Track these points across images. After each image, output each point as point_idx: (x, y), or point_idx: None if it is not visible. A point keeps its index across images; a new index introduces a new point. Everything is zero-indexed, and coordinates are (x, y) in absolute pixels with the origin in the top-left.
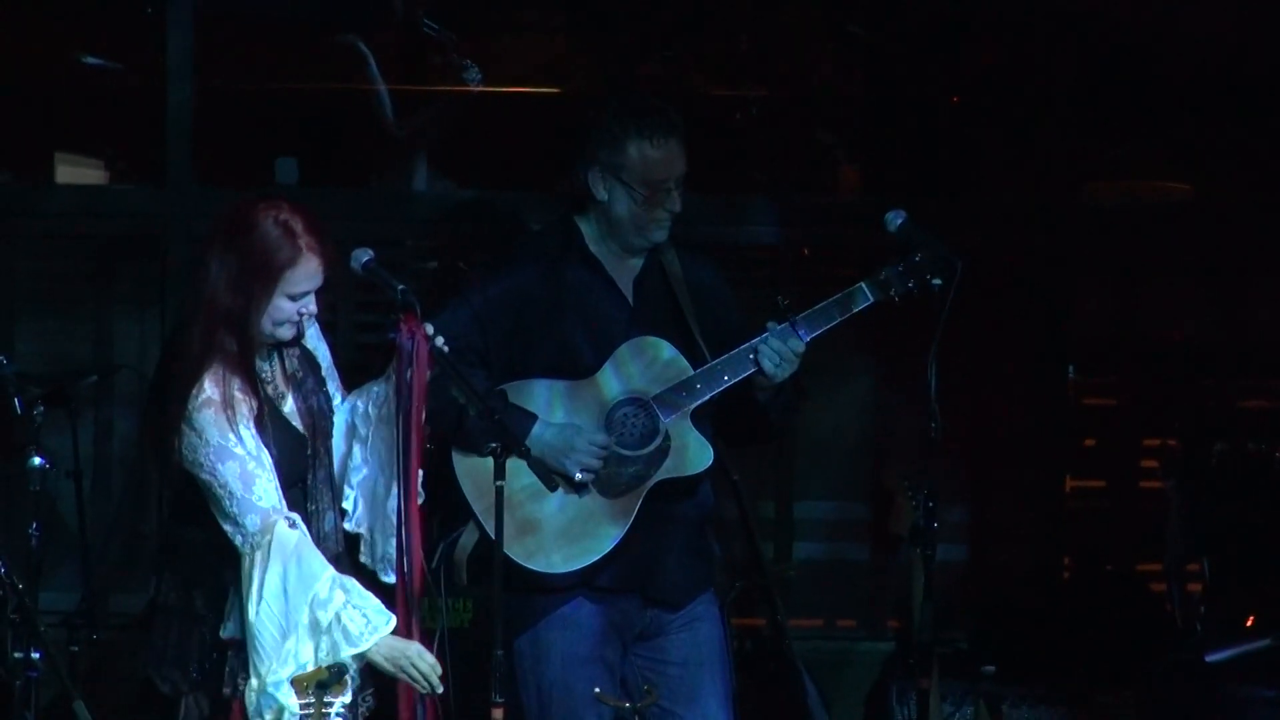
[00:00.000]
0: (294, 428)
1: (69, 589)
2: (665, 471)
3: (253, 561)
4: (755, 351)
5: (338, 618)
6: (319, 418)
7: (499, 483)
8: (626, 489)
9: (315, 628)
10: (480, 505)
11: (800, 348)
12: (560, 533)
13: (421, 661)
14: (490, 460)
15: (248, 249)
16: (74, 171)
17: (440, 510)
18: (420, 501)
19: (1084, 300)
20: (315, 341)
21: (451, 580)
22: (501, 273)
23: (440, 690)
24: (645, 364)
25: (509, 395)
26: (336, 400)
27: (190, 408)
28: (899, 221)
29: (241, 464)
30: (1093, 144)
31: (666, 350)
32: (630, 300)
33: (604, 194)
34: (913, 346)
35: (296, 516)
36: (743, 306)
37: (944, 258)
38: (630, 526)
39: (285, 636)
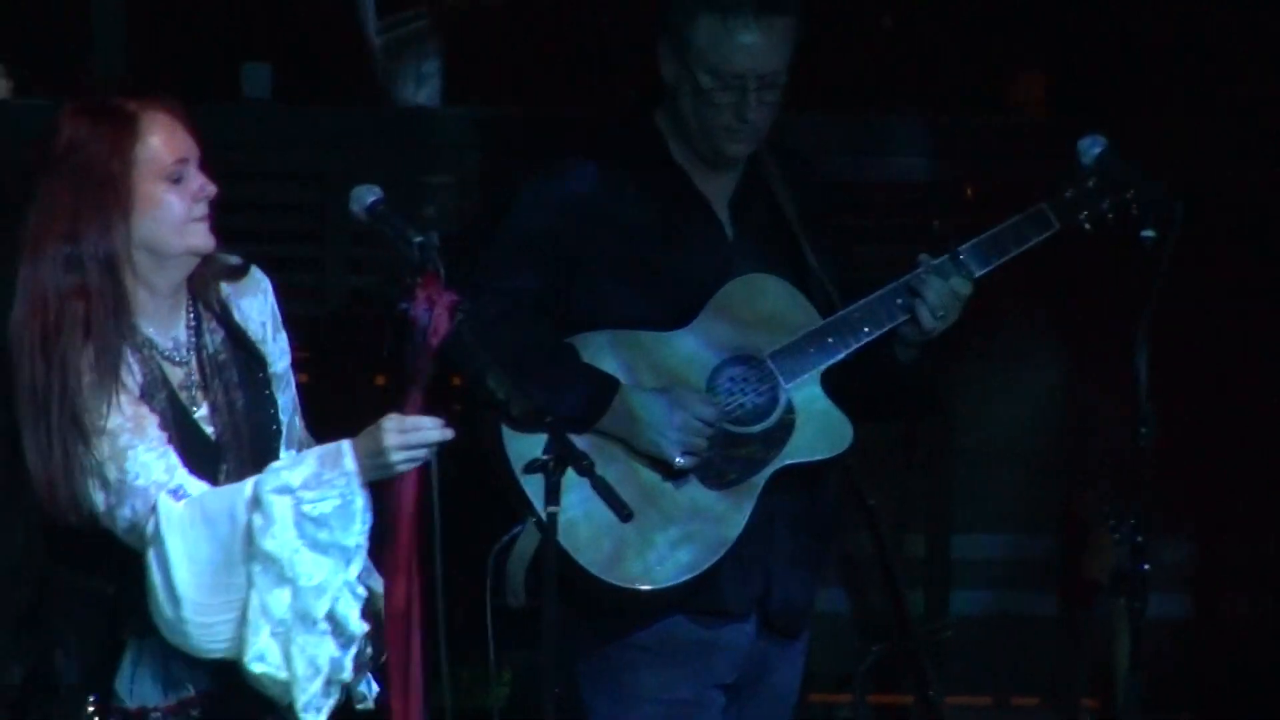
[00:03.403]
0: (202, 433)
1: None
2: (789, 455)
3: (148, 561)
4: (905, 294)
5: (298, 529)
6: (243, 422)
7: (551, 509)
8: (738, 479)
9: (272, 570)
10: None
11: (966, 289)
12: (651, 539)
13: (409, 434)
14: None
15: (70, 168)
16: None
17: (482, 504)
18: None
19: None
20: (256, 308)
21: (502, 598)
22: (557, 186)
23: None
24: (757, 311)
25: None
26: (283, 412)
27: (32, 365)
28: (1097, 150)
29: (112, 441)
30: None
31: (786, 292)
32: (727, 227)
33: (672, 77)
34: (1116, 323)
35: (187, 481)
36: (882, 261)
37: (1158, 200)
38: (743, 530)
39: (237, 614)
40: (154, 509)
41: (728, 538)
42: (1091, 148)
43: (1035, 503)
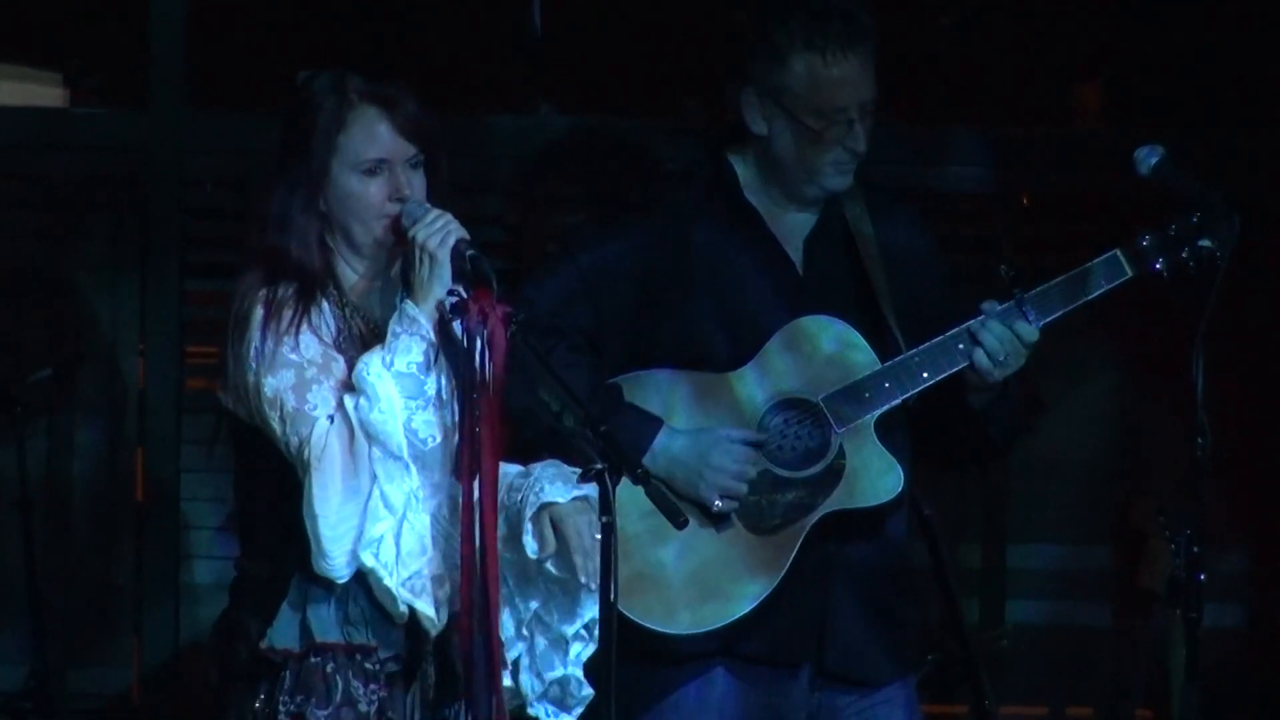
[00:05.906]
0: None
1: (13, 661)
2: (836, 501)
3: (307, 478)
4: (967, 340)
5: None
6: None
7: (604, 518)
8: (782, 523)
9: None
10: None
11: (1031, 336)
12: (689, 581)
13: (420, 221)
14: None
15: (288, 129)
16: (24, 89)
17: None
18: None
19: None
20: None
21: None
22: (622, 225)
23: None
24: (814, 353)
25: (624, 391)
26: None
27: (229, 339)
28: (1154, 161)
29: (298, 372)
30: None
31: (846, 335)
32: (799, 266)
33: (761, 125)
34: (1173, 333)
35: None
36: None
37: (1216, 212)
38: (785, 575)
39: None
40: (326, 434)
41: (766, 586)
42: (1149, 158)
43: (1090, 513)
